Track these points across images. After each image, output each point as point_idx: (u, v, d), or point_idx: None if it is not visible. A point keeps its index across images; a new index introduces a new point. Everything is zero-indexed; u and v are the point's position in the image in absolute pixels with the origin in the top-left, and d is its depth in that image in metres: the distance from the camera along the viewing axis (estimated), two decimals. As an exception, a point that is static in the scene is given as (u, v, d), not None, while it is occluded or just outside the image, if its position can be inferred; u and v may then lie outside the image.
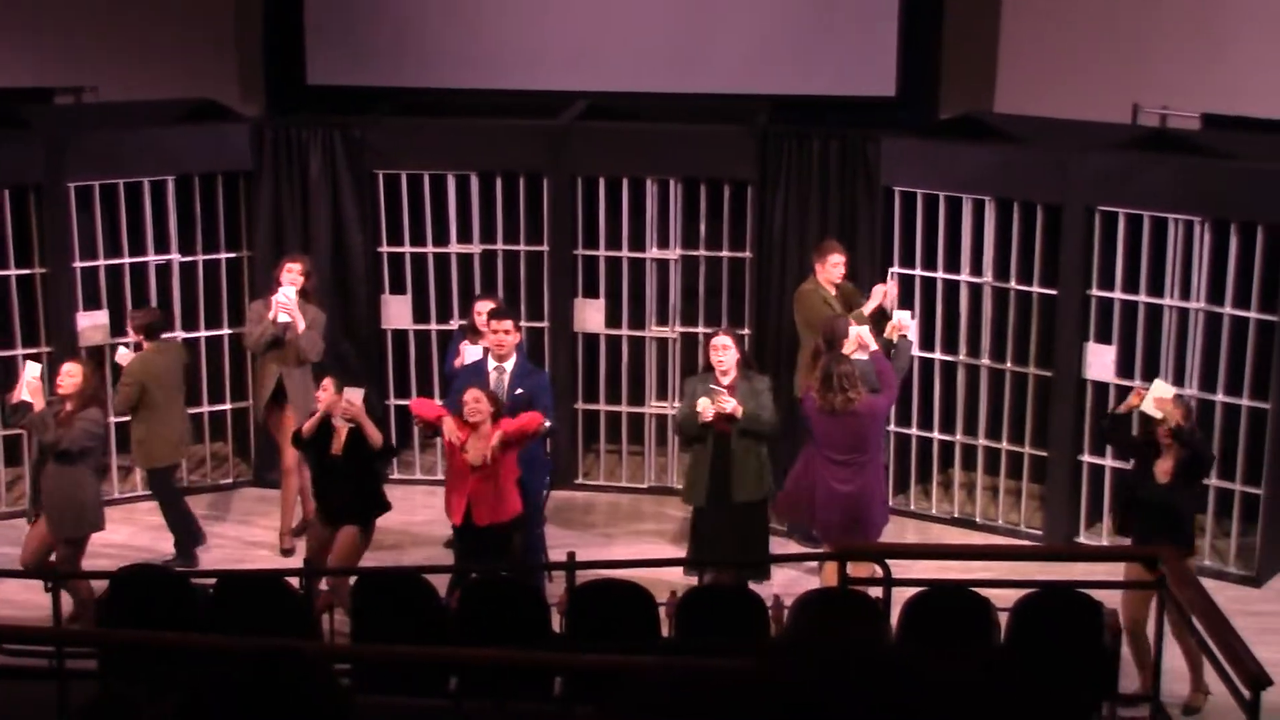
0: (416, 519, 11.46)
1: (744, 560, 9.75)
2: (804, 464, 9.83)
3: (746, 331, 11.57)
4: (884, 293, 10.62)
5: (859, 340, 9.78)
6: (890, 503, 11.44)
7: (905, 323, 10.33)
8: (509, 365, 9.95)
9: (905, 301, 11.23)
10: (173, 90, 12.54)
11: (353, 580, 8.93)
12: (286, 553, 10.80)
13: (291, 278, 10.71)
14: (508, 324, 10.02)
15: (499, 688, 8.04)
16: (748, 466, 9.64)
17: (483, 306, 10.48)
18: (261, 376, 11.02)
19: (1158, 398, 8.86)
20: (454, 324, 11.85)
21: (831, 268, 10.72)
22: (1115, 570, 9.27)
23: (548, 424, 9.78)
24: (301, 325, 10.65)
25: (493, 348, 9.98)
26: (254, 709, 2.12)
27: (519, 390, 9.90)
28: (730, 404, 9.52)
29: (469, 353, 10.32)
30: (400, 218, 11.81)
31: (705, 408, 9.52)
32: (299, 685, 2.14)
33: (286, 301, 10.59)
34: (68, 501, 9.55)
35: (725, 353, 9.61)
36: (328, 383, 9.55)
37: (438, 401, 10.40)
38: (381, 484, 9.92)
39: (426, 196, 11.77)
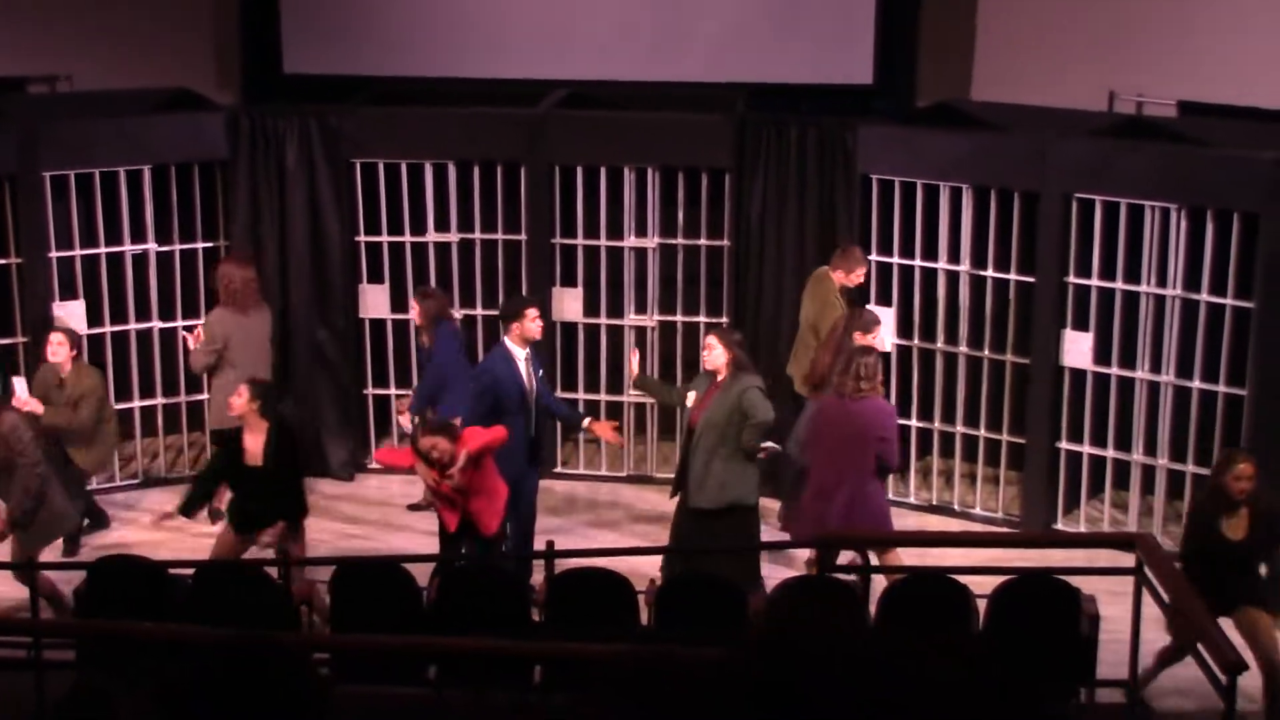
0: (394, 507, 11.46)
1: (679, 550, 9.65)
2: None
3: (724, 320, 11.56)
4: None
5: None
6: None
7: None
8: (529, 351, 10.02)
9: (883, 290, 11.26)
10: (148, 79, 12.50)
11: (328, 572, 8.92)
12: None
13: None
14: None
15: (478, 676, 8.04)
16: (702, 471, 9.50)
17: (418, 300, 10.76)
18: None
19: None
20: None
21: (855, 278, 10.75)
22: (1093, 557, 9.31)
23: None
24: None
25: (533, 337, 9.97)
26: (232, 699, 2.11)
27: (540, 372, 10.07)
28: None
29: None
30: (378, 207, 11.79)
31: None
32: (277, 675, 2.13)
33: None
34: (44, 514, 9.46)
35: (710, 353, 9.56)
36: (243, 389, 9.49)
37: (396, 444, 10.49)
38: (304, 493, 9.70)
39: (404, 185, 11.75)
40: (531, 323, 9.92)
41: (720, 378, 9.54)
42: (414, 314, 10.79)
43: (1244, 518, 8.39)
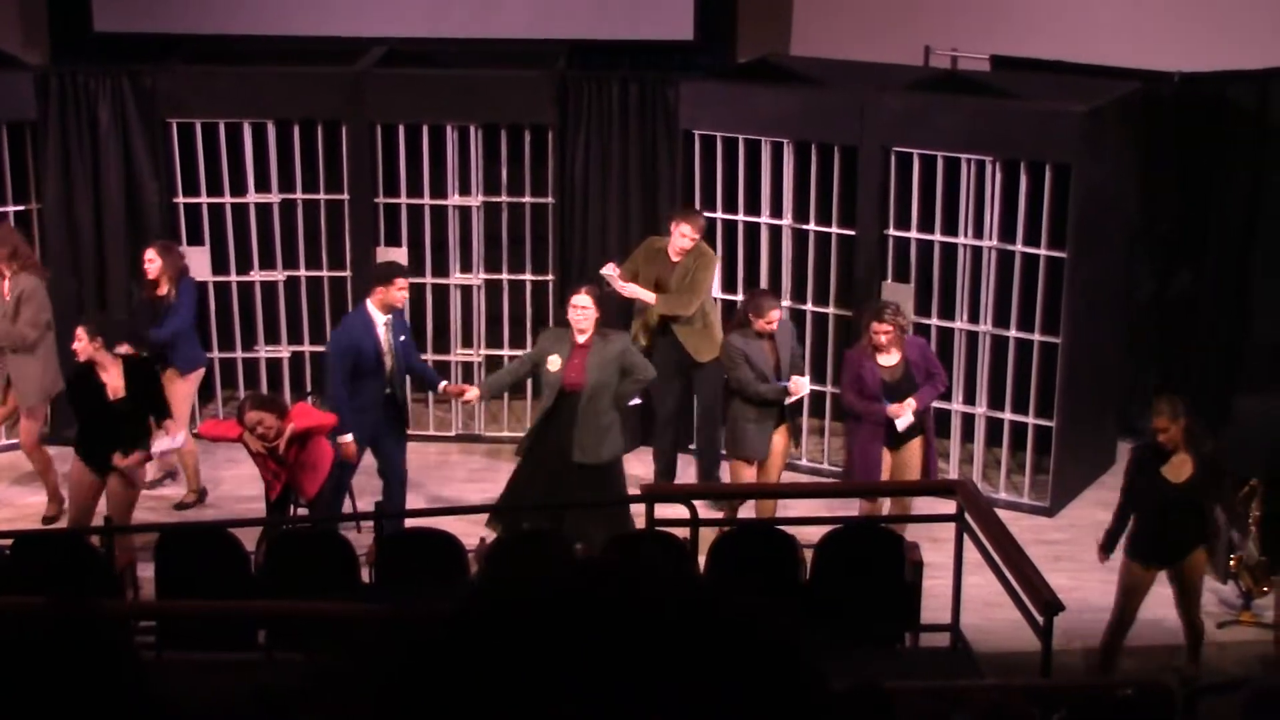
0: (222, 474, 11.31)
1: (508, 504, 9.71)
2: None
3: (550, 277, 11.56)
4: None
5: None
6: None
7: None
8: (390, 317, 9.96)
9: (709, 243, 11.35)
10: (-49, 38, 12.14)
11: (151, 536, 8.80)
12: (48, 520, 10.59)
13: None
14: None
15: (309, 639, 7.99)
16: (597, 430, 9.52)
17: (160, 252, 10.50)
18: None
19: None
20: (254, 275, 11.70)
21: (678, 236, 10.52)
22: (917, 505, 9.50)
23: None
24: None
25: (396, 305, 9.93)
26: (44, 671, 2.07)
27: (402, 337, 10.01)
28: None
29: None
30: (196, 168, 11.58)
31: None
32: (92, 644, 2.09)
33: None
34: None
35: (583, 313, 9.49)
36: (81, 332, 9.40)
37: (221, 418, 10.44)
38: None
39: (222, 145, 11.55)
40: (398, 291, 9.91)
41: (585, 338, 9.52)
42: (154, 266, 10.54)
43: (1185, 461, 8.36)
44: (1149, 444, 8.48)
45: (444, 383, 10.47)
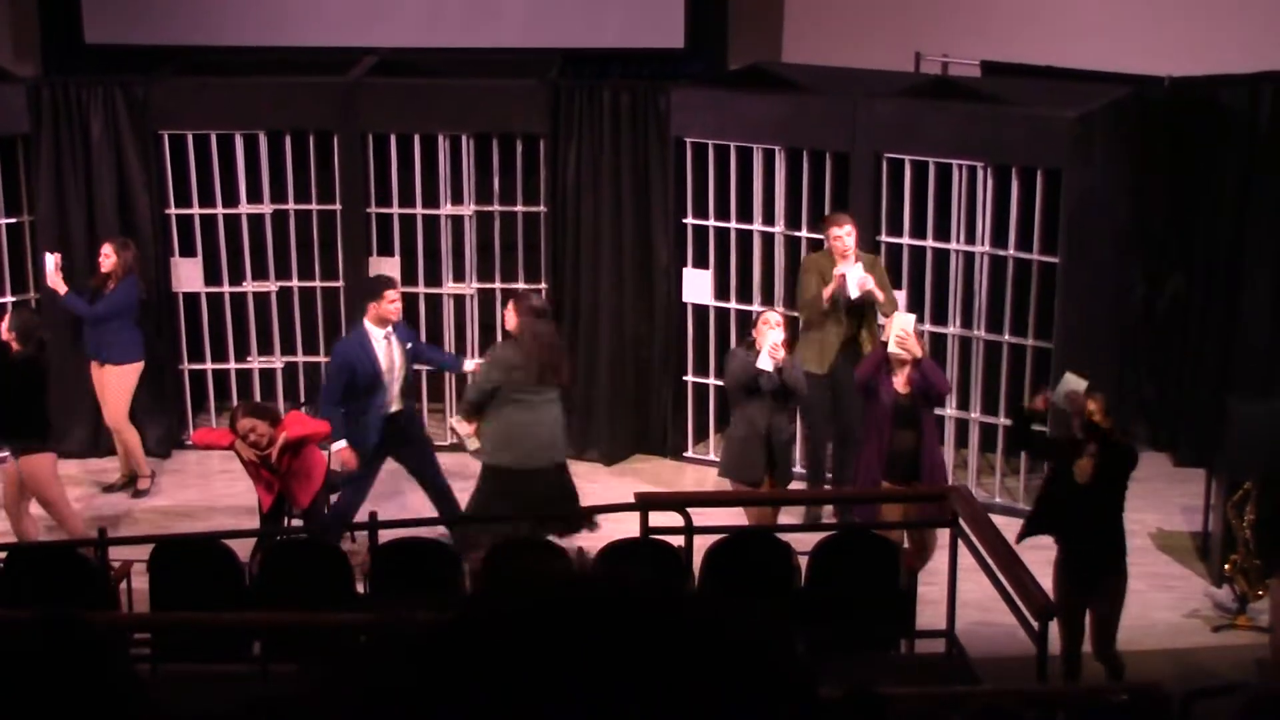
0: (214, 481, 11.31)
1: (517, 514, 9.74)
2: None
3: (542, 286, 11.56)
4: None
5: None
6: (691, 451, 11.58)
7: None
8: (390, 330, 9.94)
9: (699, 254, 11.35)
10: (-57, 51, 12.15)
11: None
12: None
13: None
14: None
15: (304, 650, 7.98)
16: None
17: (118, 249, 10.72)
18: None
19: (1070, 391, 8.23)
20: (247, 286, 11.70)
21: (832, 241, 10.29)
22: (912, 508, 9.48)
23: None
24: None
25: (389, 319, 9.85)
26: (33, 683, 2.07)
27: (409, 345, 10.03)
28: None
29: None
30: (188, 179, 11.59)
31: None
32: (82, 656, 2.09)
33: None
34: None
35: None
36: (7, 320, 9.69)
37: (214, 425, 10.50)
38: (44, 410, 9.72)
39: (214, 156, 11.55)
40: (389, 304, 9.86)
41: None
42: (109, 261, 10.72)
43: (1091, 459, 8.01)
44: (1068, 435, 8.19)
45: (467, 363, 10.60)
